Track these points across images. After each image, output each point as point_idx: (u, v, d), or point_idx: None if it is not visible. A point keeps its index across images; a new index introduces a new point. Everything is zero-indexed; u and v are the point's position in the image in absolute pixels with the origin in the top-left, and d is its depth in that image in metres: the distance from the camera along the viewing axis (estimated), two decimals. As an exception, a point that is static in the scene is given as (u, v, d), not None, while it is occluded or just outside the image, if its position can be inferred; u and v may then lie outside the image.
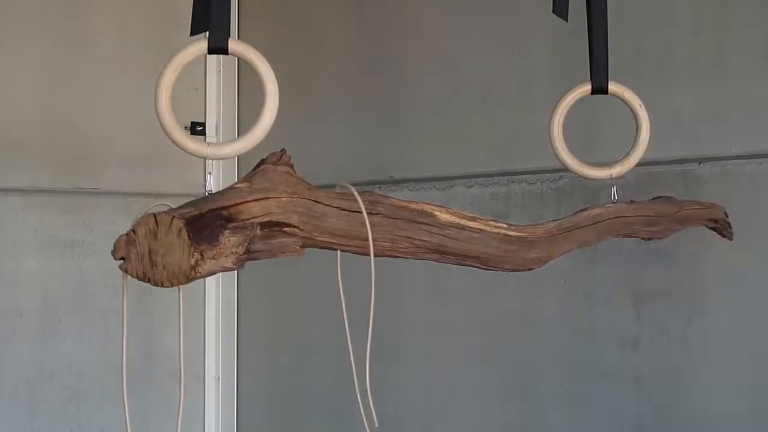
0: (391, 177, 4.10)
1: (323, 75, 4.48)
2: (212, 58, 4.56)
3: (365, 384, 1.87)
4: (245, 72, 4.52)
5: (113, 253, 1.51)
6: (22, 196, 4.14)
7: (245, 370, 4.80)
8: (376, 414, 2.06)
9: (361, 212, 1.97)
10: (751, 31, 3.11)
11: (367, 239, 1.98)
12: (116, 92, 4.33)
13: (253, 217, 1.72)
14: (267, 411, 4.75)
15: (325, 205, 1.90)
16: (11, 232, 4.11)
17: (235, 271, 4.83)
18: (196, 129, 4.67)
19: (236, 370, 4.81)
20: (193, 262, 1.50)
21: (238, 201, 1.71)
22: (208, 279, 4.86)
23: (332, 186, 2.02)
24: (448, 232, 2.17)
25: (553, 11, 2.53)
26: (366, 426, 1.87)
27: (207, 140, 4.56)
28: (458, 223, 2.19)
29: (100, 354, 4.23)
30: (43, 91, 4.19)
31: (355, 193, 1.89)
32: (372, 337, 2.00)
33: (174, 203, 1.65)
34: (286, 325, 4.64)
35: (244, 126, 4.70)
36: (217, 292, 4.77)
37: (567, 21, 2.53)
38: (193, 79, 4.64)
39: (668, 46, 3.31)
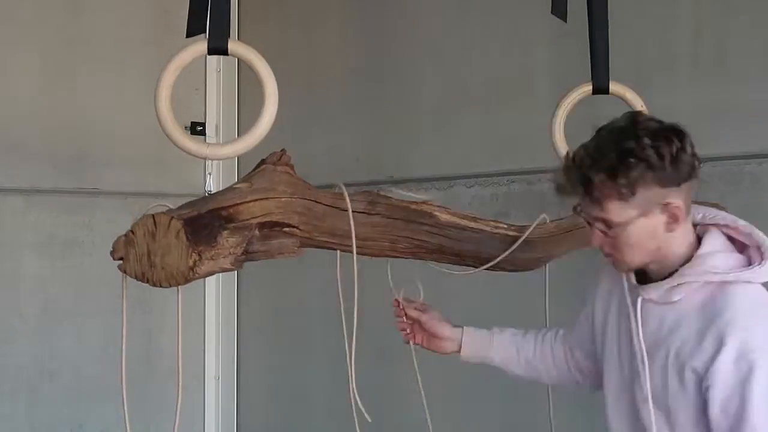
0: (391, 177, 4.09)
1: (323, 75, 4.48)
2: (212, 59, 4.55)
3: (354, 383, 1.88)
4: (245, 72, 4.51)
5: (112, 253, 1.52)
6: (22, 196, 4.13)
7: (245, 370, 4.80)
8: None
9: (360, 212, 1.97)
10: (751, 31, 3.10)
11: (366, 239, 1.99)
12: (116, 92, 4.33)
13: (252, 218, 1.72)
14: (267, 411, 4.75)
15: (325, 205, 1.91)
16: (11, 232, 4.11)
17: (236, 272, 4.83)
18: (196, 129, 4.66)
19: (236, 370, 4.80)
20: (191, 262, 1.50)
21: (238, 201, 1.71)
22: (208, 279, 4.85)
23: (332, 186, 2.02)
24: (448, 232, 2.17)
25: (552, 12, 2.53)
26: (357, 425, 1.87)
27: (207, 140, 4.56)
28: (458, 224, 2.19)
29: (100, 354, 4.22)
30: (43, 91, 4.18)
31: (345, 192, 1.88)
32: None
33: (174, 203, 1.65)
34: (286, 325, 4.63)
35: (244, 126, 4.70)
36: (217, 292, 4.77)
37: (566, 21, 2.53)
38: (193, 79, 4.63)
39: (668, 46, 3.31)
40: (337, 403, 4.16)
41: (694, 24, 3.25)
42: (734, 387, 1.61)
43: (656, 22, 3.34)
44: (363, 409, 1.97)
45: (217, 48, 1.77)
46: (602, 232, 1.73)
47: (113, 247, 1.52)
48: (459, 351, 2.19)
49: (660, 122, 1.71)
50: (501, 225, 2.28)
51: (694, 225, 1.78)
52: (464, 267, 2.30)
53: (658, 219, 1.69)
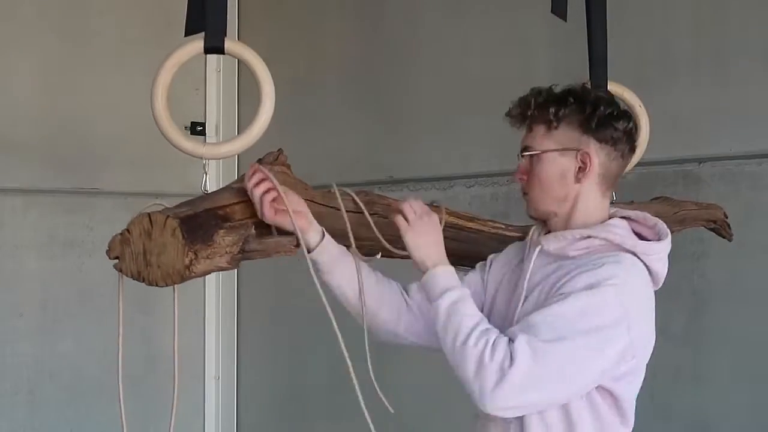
0: (391, 177, 4.09)
1: (323, 75, 4.48)
2: (212, 59, 4.56)
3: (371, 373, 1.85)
4: (245, 72, 4.51)
5: (108, 252, 1.51)
6: (22, 196, 4.13)
7: (245, 370, 4.80)
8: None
9: (358, 213, 1.96)
10: (751, 32, 3.10)
11: (364, 239, 1.98)
12: (116, 92, 4.33)
13: (248, 217, 1.72)
14: (267, 411, 4.75)
15: (322, 205, 1.90)
16: (11, 232, 4.11)
17: (235, 272, 4.83)
18: (197, 129, 4.66)
19: (236, 370, 4.80)
20: (187, 261, 1.50)
21: (234, 201, 1.71)
22: (208, 279, 4.86)
23: (330, 186, 2.01)
24: (445, 232, 2.16)
25: (552, 11, 2.53)
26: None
27: (207, 140, 4.56)
28: (456, 224, 2.19)
29: (100, 354, 4.22)
30: (43, 91, 4.18)
31: (337, 193, 1.87)
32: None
33: (173, 203, 1.65)
34: (286, 325, 4.63)
35: (244, 126, 4.69)
36: (217, 292, 4.77)
37: (566, 21, 2.52)
38: (193, 79, 4.63)
39: (668, 46, 3.30)
40: (337, 403, 4.16)
41: (694, 24, 3.24)
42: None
43: (656, 22, 3.34)
44: (386, 402, 1.96)
45: (214, 47, 1.76)
46: (523, 164, 1.86)
47: (109, 246, 1.51)
48: (315, 244, 1.80)
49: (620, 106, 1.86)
50: (499, 225, 2.28)
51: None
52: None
53: (571, 163, 1.79)
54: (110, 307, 4.58)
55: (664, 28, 3.32)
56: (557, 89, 1.83)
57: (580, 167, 1.78)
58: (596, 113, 1.77)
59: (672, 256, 3.23)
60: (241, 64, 1.85)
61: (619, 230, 1.78)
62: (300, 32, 4.56)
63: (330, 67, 4.45)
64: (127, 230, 1.52)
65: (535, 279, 1.80)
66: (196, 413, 4.69)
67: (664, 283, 1.92)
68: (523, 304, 1.79)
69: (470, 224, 2.21)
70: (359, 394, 1.78)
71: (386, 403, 1.89)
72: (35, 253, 4.18)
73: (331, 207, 1.90)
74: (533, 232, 1.92)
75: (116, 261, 1.54)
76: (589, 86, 2.42)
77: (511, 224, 2.32)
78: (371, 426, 1.82)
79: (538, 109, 1.81)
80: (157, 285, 1.52)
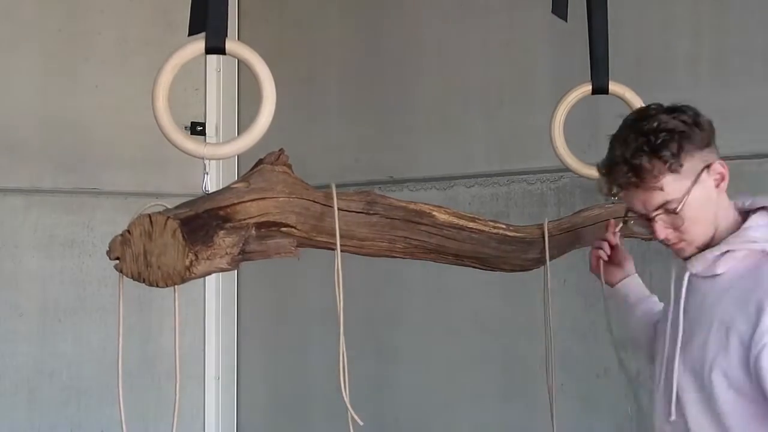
0: (391, 177, 4.09)
1: (323, 75, 4.48)
2: (212, 59, 4.56)
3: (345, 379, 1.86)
4: (245, 72, 4.51)
5: (108, 253, 1.51)
6: (22, 196, 4.14)
7: (245, 370, 4.80)
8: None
9: (359, 212, 1.97)
10: (751, 32, 3.10)
11: (364, 239, 1.98)
12: (116, 92, 4.33)
13: (250, 217, 1.72)
14: (267, 411, 4.75)
15: (323, 205, 1.90)
16: (11, 232, 4.12)
17: (235, 272, 4.83)
18: (197, 129, 4.67)
19: (236, 370, 4.80)
20: (187, 262, 1.50)
21: (235, 201, 1.71)
22: (208, 279, 4.86)
23: (329, 186, 2.01)
24: (446, 232, 2.17)
25: (552, 11, 2.53)
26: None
27: (207, 140, 4.56)
28: (457, 224, 2.19)
29: (100, 354, 4.22)
30: (43, 91, 4.19)
31: (334, 192, 1.88)
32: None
33: (174, 203, 1.65)
34: (286, 325, 4.63)
35: (244, 126, 4.69)
36: (217, 292, 4.77)
37: (566, 21, 2.52)
38: (193, 79, 4.63)
39: (668, 46, 3.30)
40: (337, 402, 4.14)
41: (693, 24, 3.24)
42: None
43: (656, 22, 3.34)
44: (355, 416, 1.97)
45: (215, 47, 1.77)
46: (664, 220, 1.76)
47: (109, 247, 1.51)
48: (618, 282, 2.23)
49: (662, 104, 1.84)
50: (500, 225, 2.28)
51: (744, 211, 1.81)
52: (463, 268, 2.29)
53: (708, 182, 1.75)
54: (110, 307, 4.59)
55: (664, 28, 3.32)
56: (622, 142, 1.76)
57: (716, 179, 1.75)
58: (690, 126, 1.74)
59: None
60: (242, 63, 1.85)
61: (756, 233, 1.74)
62: (300, 32, 4.56)
63: (330, 67, 4.45)
64: (128, 231, 1.52)
65: (691, 303, 1.81)
66: (196, 413, 4.69)
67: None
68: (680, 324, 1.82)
69: (470, 224, 2.21)
70: (345, 394, 1.77)
71: (355, 417, 1.90)
72: (35, 253, 4.18)
73: (332, 207, 1.90)
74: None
75: (117, 262, 1.54)
76: (591, 86, 2.43)
77: (512, 224, 2.31)
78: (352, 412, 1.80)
79: (654, 168, 1.71)
80: (157, 286, 1.52)
